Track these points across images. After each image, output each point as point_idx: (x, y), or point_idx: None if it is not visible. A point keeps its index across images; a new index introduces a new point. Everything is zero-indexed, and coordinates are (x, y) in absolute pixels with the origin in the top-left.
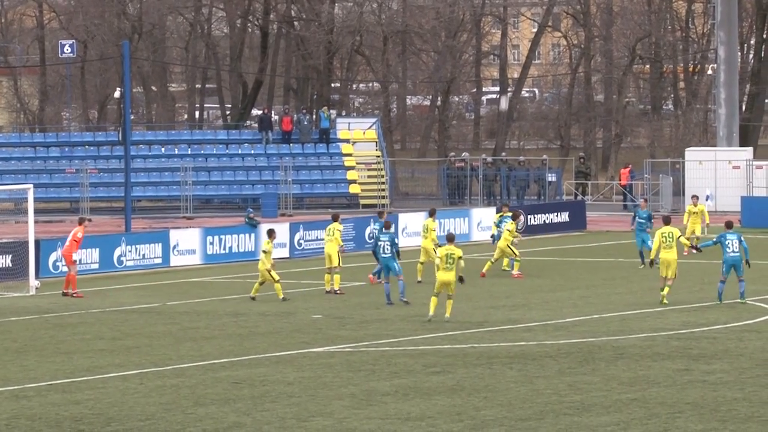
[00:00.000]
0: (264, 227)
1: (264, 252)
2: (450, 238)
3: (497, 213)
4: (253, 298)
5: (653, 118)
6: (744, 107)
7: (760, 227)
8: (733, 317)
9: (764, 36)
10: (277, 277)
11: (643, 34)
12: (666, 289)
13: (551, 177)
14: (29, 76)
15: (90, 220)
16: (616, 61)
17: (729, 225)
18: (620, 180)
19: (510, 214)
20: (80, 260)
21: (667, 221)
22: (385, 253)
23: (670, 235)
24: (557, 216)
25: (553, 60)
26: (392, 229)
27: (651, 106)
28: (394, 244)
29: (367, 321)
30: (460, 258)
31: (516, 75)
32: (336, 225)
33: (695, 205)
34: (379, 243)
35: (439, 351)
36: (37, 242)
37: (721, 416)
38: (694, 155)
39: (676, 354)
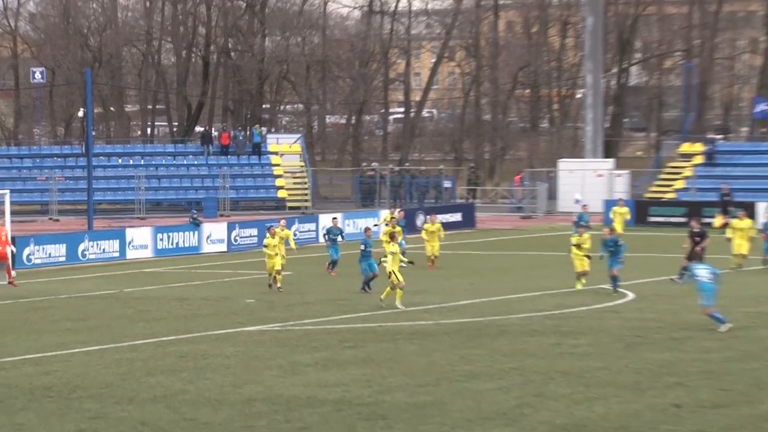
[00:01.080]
0: (206, 226)
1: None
2: (392, 237)
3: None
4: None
5: (532, 135)
6: (607, 125)
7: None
8: (596, 300)
9: (624, 66)
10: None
11: (524, 64)
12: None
13: (447, 183)
14: (5, 99)
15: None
16: (501, 86)
17: (612, 231)
18: (515, 184)
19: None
20: (50, 254)
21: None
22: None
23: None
24: (451, 216)
25: (449, 85)
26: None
27: (530, 124)
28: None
29: (293, 305)
30: (392, 254)
31: (418, 98)
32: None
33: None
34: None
35: (353, 329)
36: (13, 239)
37: (586, 382)
38: (565, 165)
39: (550, 331)
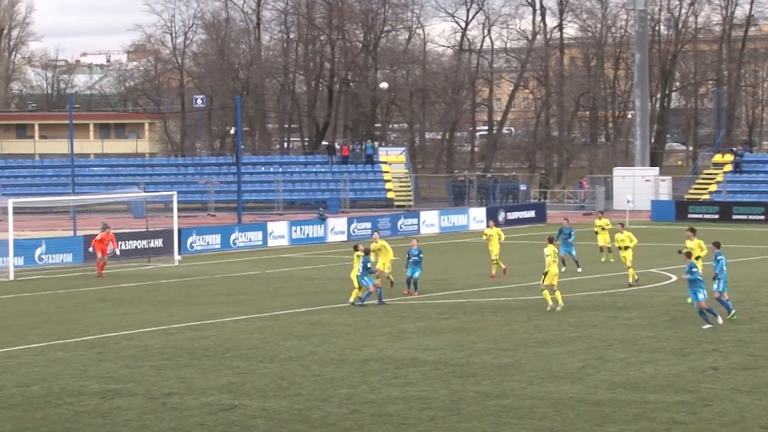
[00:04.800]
0: (331, 221)
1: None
2: (550, 240)
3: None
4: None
5: (591, 147)
6: (653, 140)
7: (664, 221)
8: (645, 282)
9: (666, 92)
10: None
11: (585, 90)
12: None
13: (523, 187)
14: (174, 120)
15: (108, 227)
16: (567, 109)
17: (717, 245)
18: (583, 186)
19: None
20: (208, 243)
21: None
22: None
23: (554, 254)
24: (527, 213)
25: (524, 108)
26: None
27: (590, 139)
28: None
29: (399, 284)
30: (556, 253)
31: (498, 118)
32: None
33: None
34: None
35: (448, 303)
36: (179, 230)
37: (638, 348)
38: (619, 172)
39: (608, 306)
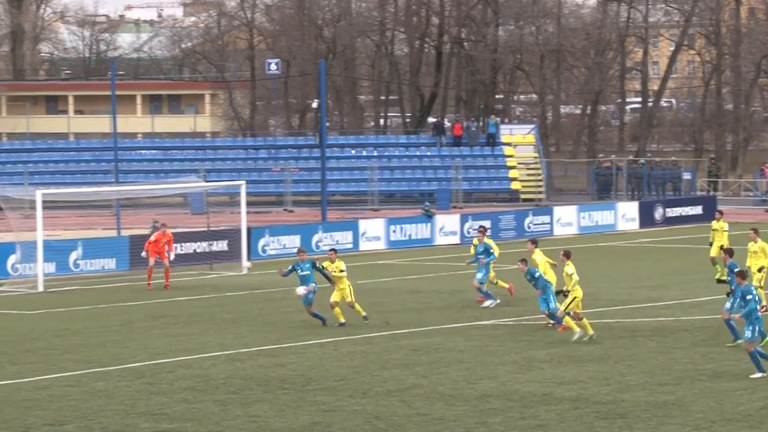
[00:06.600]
0: (439, 218)
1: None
2: (566, 255)
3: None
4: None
5: None
6: None
7: None
8: None
9: None
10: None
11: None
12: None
13: (687, 175)
14: (241, 90)
15: (164, 225)
16: (744, 75)
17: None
18: (765, 175)
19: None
20: (284, 245)
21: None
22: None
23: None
24: (692, 209)
25: (688, 74)
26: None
27: None
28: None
29: (527, 299)
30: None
31: (655, 87)
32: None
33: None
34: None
35: (589, 324)
36: (248, 230)
37: None
38: None
39: None
